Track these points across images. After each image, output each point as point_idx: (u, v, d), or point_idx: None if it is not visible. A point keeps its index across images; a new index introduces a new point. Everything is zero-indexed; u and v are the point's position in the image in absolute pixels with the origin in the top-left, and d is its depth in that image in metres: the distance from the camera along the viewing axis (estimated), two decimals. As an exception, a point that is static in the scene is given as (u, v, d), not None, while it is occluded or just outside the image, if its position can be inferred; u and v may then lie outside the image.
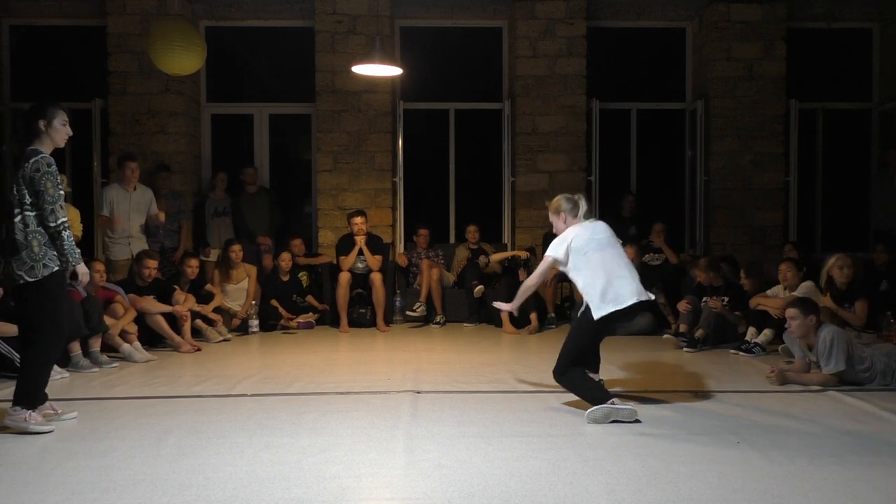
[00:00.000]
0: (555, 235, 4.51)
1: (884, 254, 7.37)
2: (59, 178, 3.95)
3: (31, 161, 3.89)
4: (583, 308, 4.31)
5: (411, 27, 9.29)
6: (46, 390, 4.09)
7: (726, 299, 6.58)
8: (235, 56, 9.33)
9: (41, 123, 4.00)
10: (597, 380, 4.45)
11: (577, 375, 4.23)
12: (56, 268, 3.89)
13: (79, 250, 4.01)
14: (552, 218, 4.54)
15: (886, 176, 8.52)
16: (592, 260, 4.23)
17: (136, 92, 8.58)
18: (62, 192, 3.95)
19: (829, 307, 5.96)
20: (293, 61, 9.21)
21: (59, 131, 4.04)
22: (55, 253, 3.89)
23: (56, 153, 4.12)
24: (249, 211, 8.42)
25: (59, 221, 3.87)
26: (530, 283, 4.58)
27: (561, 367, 4.26)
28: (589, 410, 3.98)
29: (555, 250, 4.36)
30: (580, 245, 4.27)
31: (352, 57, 8.43)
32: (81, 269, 3.97)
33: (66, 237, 3.88)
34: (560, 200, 4.50)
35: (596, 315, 4.16)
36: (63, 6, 8.84)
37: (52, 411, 4.08)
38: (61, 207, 3.90)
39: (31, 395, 3.90)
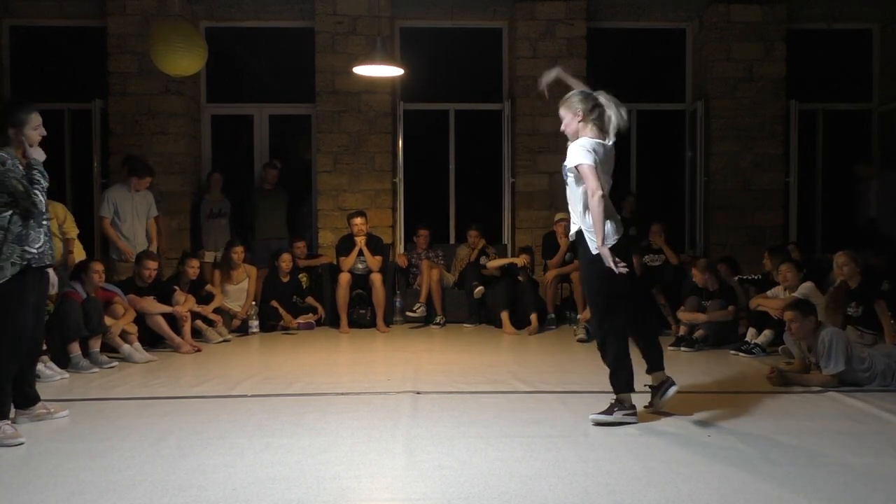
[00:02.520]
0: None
1: (875, 258, 7.39)
2: (12, 175, 3.83)
3: None
4: (585, 249, 3.88)
5: (411, 27, 9.30)
6: (38, 390, 4.15)
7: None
8: (235, 57, 9.33)
9: (10, 131, 3.92)
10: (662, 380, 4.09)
11: (620, 350, 3.89)
12: (9, 275, 3.79)
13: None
14: (563, 112, 3.97)
15: (861, 189, 8.74)
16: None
17: (136, 92, 8.58)
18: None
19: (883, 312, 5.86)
20: (293, 62, 9.21)
21: (31, 136, 3.98)
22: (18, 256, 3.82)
23: (56, 153, 4.09)
24: (266, 207, 8.46)
25: (8, 223, 3.82)
26: (600, 194, 3.78)
27: (601, 324, 3.88)
28: (595, 417, 3.91)
29: (588, 157, 3.79)
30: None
31: (352, 57, 8.43)
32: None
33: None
34: (574, 99, 3.94)
35: (594, 249, 3.82)
36: (63, 7, 8.84)
37: (44, 410, 4.11)
38: (4, 205, 3.82)
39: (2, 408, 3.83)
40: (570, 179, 3.97)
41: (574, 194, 3.97)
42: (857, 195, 8.81)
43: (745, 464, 3.30)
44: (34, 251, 3.88)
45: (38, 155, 4.01)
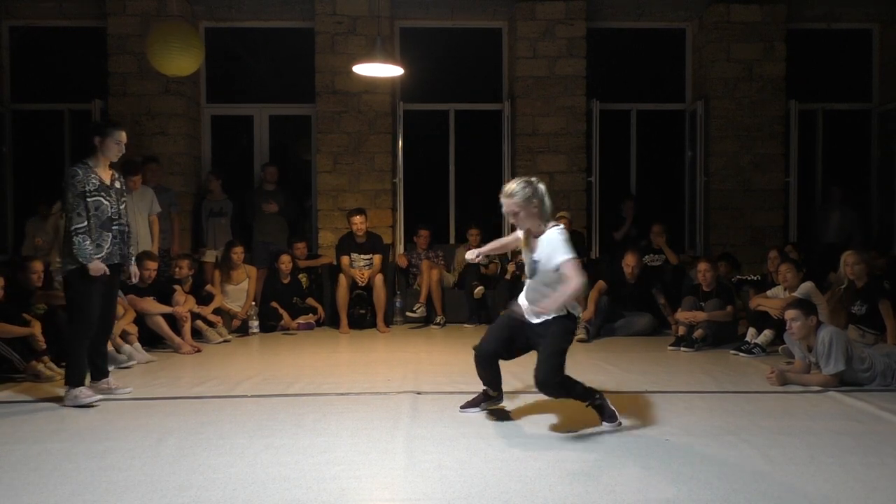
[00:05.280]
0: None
1: (880, 258, 7.43)
2: (81, 187, 4.46)
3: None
4: (555, 315, 3.87)
5: (411, 28, 9.30)
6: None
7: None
8: (235, 57, 9.34)
9: (95, 140, 4.56)
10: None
11: (568, 381, 3.91)
12: (74, 266, 4.46)
13: (91, 250, 4.49)
14: (524, 210, 3.81)
15: (828, 209, 8.95)
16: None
17: (135, 93, 8.58)
18: (86, 201, 4.48)
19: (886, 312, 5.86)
20: (293, 62, 9.21)
21: (112, 148, 4.60)
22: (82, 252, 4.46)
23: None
24: (264, 211, 8.45)
25: (73, 227, 4.45)
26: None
27: (556, 378, 3.86)
28: (609, 425, 3.88)
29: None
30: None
31: (352, 58, 8.43)
32: (92, 266, 4.46)
33: (77, 241, 4.43)
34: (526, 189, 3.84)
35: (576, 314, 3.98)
36: (63, 7, 8.85)
37: (106, 386, 4.74)
38: (78, 215, 4.46)
39: (73, 375, 4.50)
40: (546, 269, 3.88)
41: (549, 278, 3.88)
42: (820, 218, 9.01)
43: (745, 464, 3.30)
44: (102, 252, 4.53)
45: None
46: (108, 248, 4.60)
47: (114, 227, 4.63)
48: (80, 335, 4.54)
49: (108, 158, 4.63)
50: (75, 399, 4.44)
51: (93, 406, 4.40)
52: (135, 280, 4.91)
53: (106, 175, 4.64)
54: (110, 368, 5.54)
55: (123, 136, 4.65)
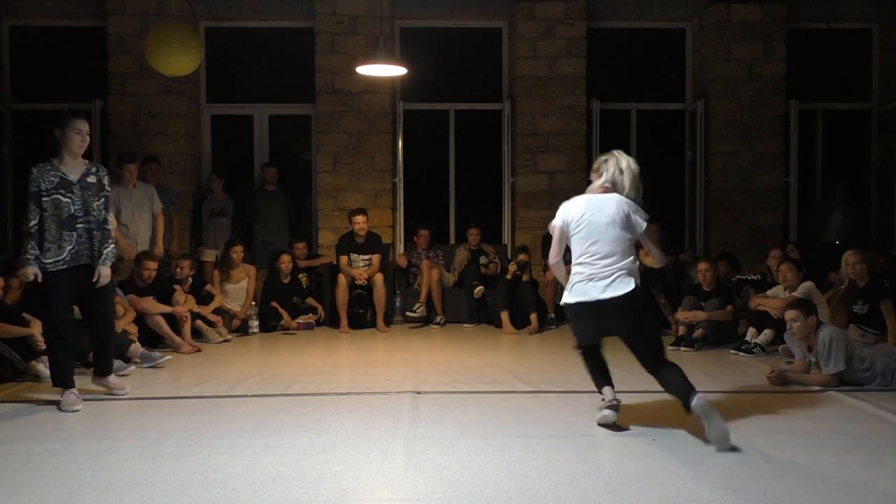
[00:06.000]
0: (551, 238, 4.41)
1: (880, 258, 7.44)
2: (34, 187, 4.33)
3: None
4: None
5: (411, 27, 9.30)
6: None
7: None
8: (235, 57, 9.33)
9: (56, 133, 4.45)
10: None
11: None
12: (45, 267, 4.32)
13: (34, 254, 4.30)
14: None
15: (830, 209, 8.93)
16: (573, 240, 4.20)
17: (136, 93, 8.58)
18: (41, 201, 4.35)
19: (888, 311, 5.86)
20: (293, 62, 9.21)
21: (73, 139, 4.41)
22: (50, 252, 4.33)
23: (56, 154, 4.43)
24: (267, 209, 8.46)
25: (24, 227, 4.39)
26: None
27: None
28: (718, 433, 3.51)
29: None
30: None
31: (352, 58, 8.43)
32: (22, 271, 4.34)
33: (24, 243, 4.36)
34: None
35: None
36: (63, 7, 8.84)
37: (104, 387, 4.69)
38: (25, 217, 4.36)
39: (53, 377, 4.46)
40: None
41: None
42: (821, 218, 8.99)
43: (745, 464, 3.30)
44: (64, 254, 4.33)
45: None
46: (71, 249, 4.34)
47: (78, 226, 4.36)
48: (48, 336, 4.45)
49: (74, 151, 4.39)
50: (62, 404, 4.33)
51: (76, 411, 4.29)
52: (103, 281, 4.44)
53: (73, 171, 4.40)
54: (144, 367, 5.61)
55: (84, 125, 4.44)
